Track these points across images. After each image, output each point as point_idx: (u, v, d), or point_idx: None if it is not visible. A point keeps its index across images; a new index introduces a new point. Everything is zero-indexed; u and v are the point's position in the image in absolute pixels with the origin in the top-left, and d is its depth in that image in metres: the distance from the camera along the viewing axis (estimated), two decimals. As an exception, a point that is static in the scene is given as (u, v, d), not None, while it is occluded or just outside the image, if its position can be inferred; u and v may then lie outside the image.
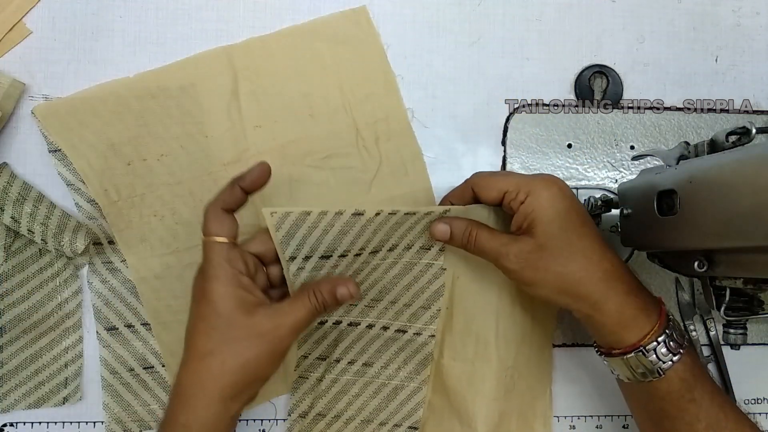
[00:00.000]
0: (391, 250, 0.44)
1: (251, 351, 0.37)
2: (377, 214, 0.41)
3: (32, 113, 0.46)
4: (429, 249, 0.44)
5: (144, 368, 0.48)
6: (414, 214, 0.42)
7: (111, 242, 0.47)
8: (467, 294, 0.46)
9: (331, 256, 0.42)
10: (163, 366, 0.48)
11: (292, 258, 0.42)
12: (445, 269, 0.45)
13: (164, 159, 0.47)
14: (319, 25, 0.49)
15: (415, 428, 0.47)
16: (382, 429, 0.47)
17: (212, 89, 0.47)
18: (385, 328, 0.46)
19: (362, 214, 0.41)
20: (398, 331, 0.46)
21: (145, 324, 0.48)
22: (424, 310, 0.45)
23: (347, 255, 0.42)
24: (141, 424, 0.48)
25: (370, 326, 0.46)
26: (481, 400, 0.46)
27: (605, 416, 0.51)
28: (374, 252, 0.43)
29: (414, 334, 0.46)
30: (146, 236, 0.47)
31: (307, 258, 0.42)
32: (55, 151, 0.46)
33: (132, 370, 0.47)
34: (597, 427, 0.51)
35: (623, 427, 0.51)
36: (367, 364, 0.47)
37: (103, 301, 0.47)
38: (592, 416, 0.51)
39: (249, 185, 0.39)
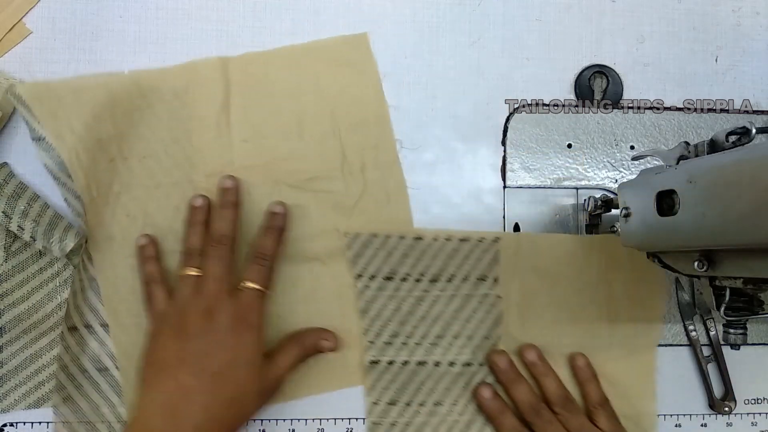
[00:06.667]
0: (449, 281, 0.48)
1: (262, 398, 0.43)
2: (435, 239, 0.47)
3: (12, 93, 0.42)
4: (485, 280, 0.48)
5: (98, 369, 0.47)
6: (468, 240, 0.47)
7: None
8: (519, 318, 0.48)
9: (393, 278, 0.47)
10: (117, 368, 0.47)
11: (359, 276, 0.47)
12: (500, 297, 0.48)
13: (146, 161, 0.46)
14: (318, 46, 0.49)
15: None
16: None
17: (204, 98, 0.47)
18: (452, 364, 0.47)
19: (422, 239, 0.47)
20: (465, 365, 0.47)
21: (104, 325, 0.47)
22: (486, 340, 0.48)
23: (408, 279, 0.47)
24: (89, 427, 0.46)
25: (437, 364, 0.47)
26: None
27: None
28: (433, 281, 0.47)
29: (479, 365, 0.47)
30: (114, 235, 0.46)
31: (372, 277, 0.47)
32: (39, 139, 0.43)
33: (86, 371, 0.47)
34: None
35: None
36: (438, 403, 0.47)
37: (72, 299, 0.46)
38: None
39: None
